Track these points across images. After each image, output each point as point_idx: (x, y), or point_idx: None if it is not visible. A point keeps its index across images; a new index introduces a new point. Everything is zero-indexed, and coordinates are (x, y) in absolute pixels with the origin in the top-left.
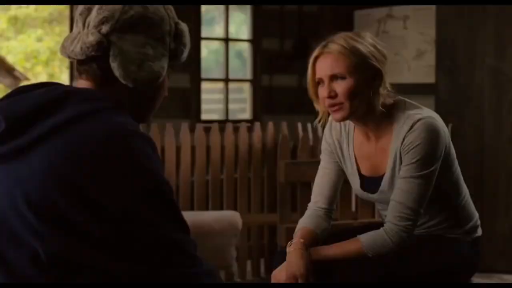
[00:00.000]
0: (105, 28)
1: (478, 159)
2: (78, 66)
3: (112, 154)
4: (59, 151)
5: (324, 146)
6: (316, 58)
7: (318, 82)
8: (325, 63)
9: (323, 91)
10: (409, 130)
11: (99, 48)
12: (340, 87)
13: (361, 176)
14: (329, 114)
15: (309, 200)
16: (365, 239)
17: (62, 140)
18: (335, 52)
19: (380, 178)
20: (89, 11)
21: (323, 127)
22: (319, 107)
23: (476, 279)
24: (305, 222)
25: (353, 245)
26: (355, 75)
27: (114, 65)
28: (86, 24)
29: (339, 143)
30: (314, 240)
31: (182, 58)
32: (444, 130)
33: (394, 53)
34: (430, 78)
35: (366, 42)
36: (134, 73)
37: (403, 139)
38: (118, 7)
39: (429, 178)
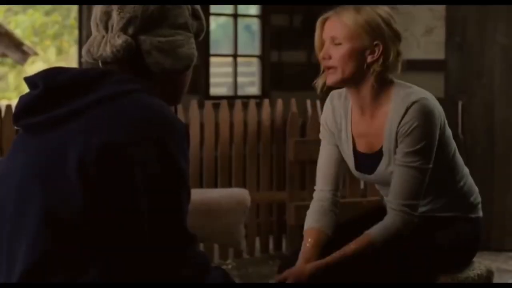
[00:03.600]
0: (131, 29)
1: (488, 136)
2: (104, 65)
3: (143, 137)
4: (97, 123)
5: (323, 123)
6: (325, 19)
7: (323, 44)
8: (330, 25)
9: (322, 52)
10: (404, 113)
11: (130, 49)
12: (336, 51)
13: (356, 153)
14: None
15: None
16: (376, 238)
17: (98, 115)
18: (341, 17)
19: (374, 155)
20: (108, 15)
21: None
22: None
23: (484, 257)
24: (312, 221)
25: (365, 244)
26: (353, 43)
27: (150, 62)
28: (110, 28)
29: (338, 120)
30: (323, 240)
31: (203, 33)
32: (439, 109)
33: (404, 29)
34: (439, 55)
35: (379, 15)
36: (171, 65)
37: (399, 123)
38: (138, 6)
39: (427, 160)
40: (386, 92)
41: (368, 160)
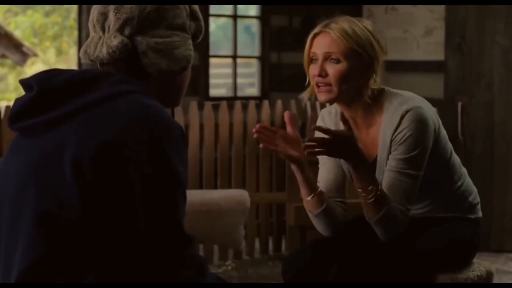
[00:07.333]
0: (127, 30)
1: (488, 137)
2: (101, 66)
3: (137, 137)
4: (92, 124)
5: None
6: (316, 34)
7: (311, 59)
8: (323, 41)
9: (314, 69)
10: (399, 122)
11: (126, 50)
12: (333, 69)
13: None
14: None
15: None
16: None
17: (93, 116)
18: (335, 33)
19: (372, 165)
20: (104, 16)
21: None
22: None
23: (484, 258)
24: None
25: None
26: (350, 60)
27: (146, 63)
28: (106, 29)
29: None
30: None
31: (202, 35)
32: (432, 115)
33: (403, 30)
34: (439, 56)
35: (368, 31)
36: (167, 66)
37: (394, 131)
38: (134, 7)
39: (418, 168)
40: (378, 102)
41: None
